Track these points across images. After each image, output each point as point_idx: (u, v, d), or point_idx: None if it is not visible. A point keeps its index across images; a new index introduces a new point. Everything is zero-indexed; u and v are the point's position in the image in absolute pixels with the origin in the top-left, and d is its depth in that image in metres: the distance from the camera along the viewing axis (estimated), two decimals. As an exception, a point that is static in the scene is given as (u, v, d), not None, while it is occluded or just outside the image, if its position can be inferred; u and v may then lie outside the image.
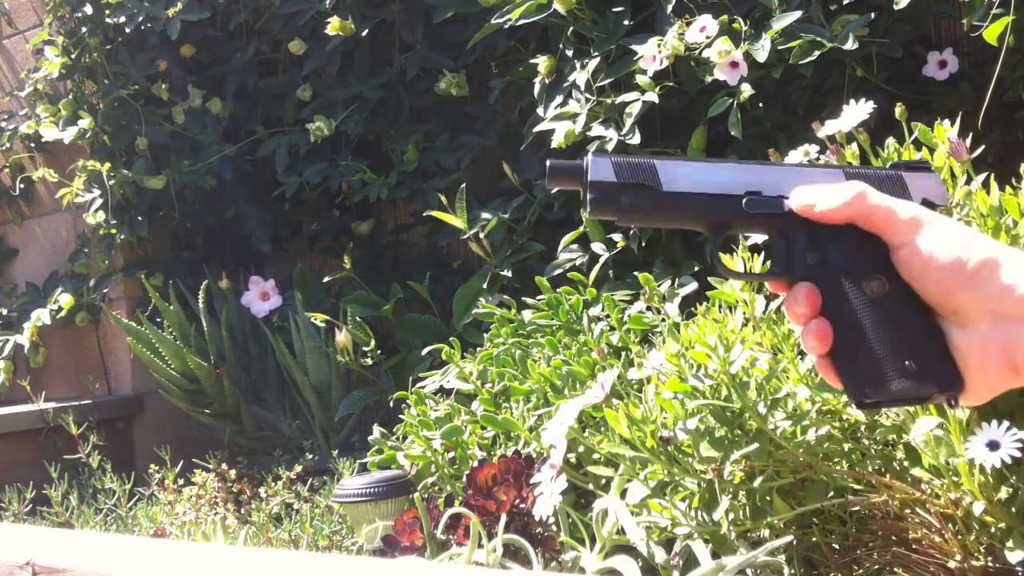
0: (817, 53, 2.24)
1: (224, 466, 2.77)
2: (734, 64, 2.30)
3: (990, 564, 1.45)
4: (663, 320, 2.03)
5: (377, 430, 2.33)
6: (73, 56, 3.69)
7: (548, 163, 0.86)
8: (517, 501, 1.86)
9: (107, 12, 3.58)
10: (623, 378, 1.82)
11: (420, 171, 3.20)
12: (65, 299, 3.76)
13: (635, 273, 2.31)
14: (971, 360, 0.75)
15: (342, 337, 3.02)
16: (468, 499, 1.89)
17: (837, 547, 1.66)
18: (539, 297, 2.29)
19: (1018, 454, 1.33)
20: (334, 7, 3.20)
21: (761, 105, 2.41)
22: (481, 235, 2.80)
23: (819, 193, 0.79)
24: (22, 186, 4.11)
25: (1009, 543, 1.40)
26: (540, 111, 2.65)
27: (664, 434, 1.56)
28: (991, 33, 2.00)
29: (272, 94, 3.49)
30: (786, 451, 1.53)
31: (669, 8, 2.46)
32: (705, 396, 1.57)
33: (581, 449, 1.86)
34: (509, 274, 2.78)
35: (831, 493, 1.57)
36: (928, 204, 0.82)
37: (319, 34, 3.23)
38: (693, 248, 2.49)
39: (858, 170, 0.84)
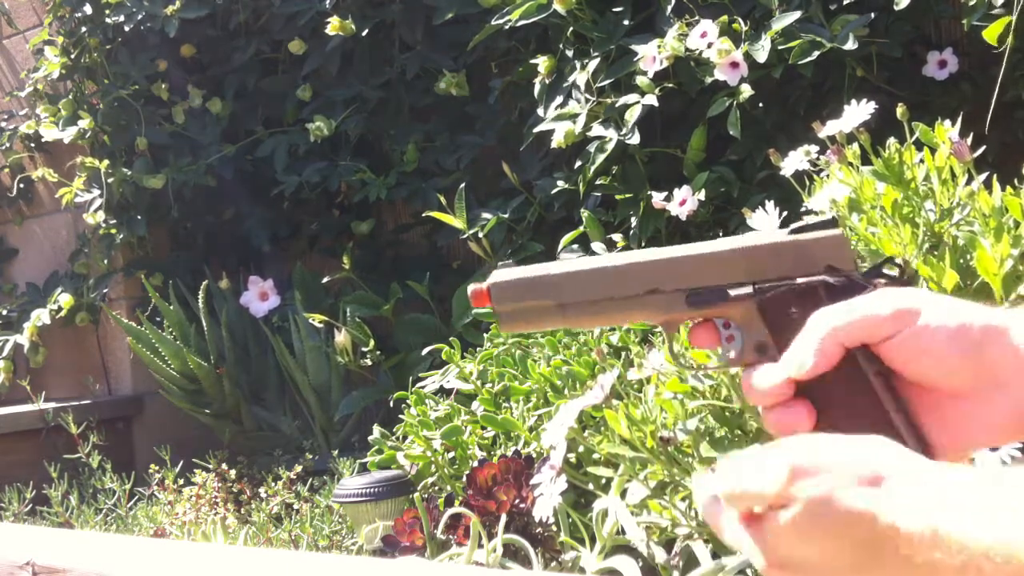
0: (817, 53, 2.25)
1: (224, 466, 2.76)
2: (734, 64, 2.30)
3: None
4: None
5: (377, 430, 2.33)
6: (73, 56, 3.69)
7: None
8: (517, 501, 1.86)
9: (107, 12, 3.58)
10: (623, 378, 1.82)
11: (420, 171, 3.20)
12: (65, 299, 3.75)
13: (635, 273, 2.31)
14: (966, 426, 0.73)
15: (341, 337, 3.02)
16: (468, 499, 1.89)
17: (837, 547, 1.66)
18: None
19: (1018, 454, 1.33)
20: (334, 7, 3.20)
21: (761, 105, 2.41)
22: (481, 235, 2.80)
23: (800, 353, 0.74)
24: (22, 186, 4.11)
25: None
26: (540, 111, 2.65)
27: (664, 434, 1.56)
28: (991, 33, 2.00)
29: (272, 94, 3.49)
30: (786, 451, 1.53)
31: (669, 8, 2.46)
32: (705, 396, 1.57)
33: (581, 449, 1.86)
34: (509, 274, 2.77)
35: (831, 493, 1.57)
36: (832, 270, 0.78)
37: (319, 34, 3.22)
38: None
39: (752, 245, 0.80)
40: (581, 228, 2.58)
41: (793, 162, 1.76)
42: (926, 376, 0.73)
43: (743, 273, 0.80)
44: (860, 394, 0.74)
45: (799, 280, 0.79)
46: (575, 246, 2.62)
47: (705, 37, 2.32)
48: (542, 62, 2.63)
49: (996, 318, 0.72)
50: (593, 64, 2.51)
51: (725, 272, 0.80)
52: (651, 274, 0.81)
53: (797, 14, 2.28)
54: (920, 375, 0.73)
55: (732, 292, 0.80)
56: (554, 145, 2.55)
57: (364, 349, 3.04)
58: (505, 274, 0.83)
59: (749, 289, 0.80)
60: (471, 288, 0.84)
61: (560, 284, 0.82)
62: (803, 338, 0.75)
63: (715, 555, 1.57)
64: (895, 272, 0.80)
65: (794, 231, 0.80)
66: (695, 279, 0.81)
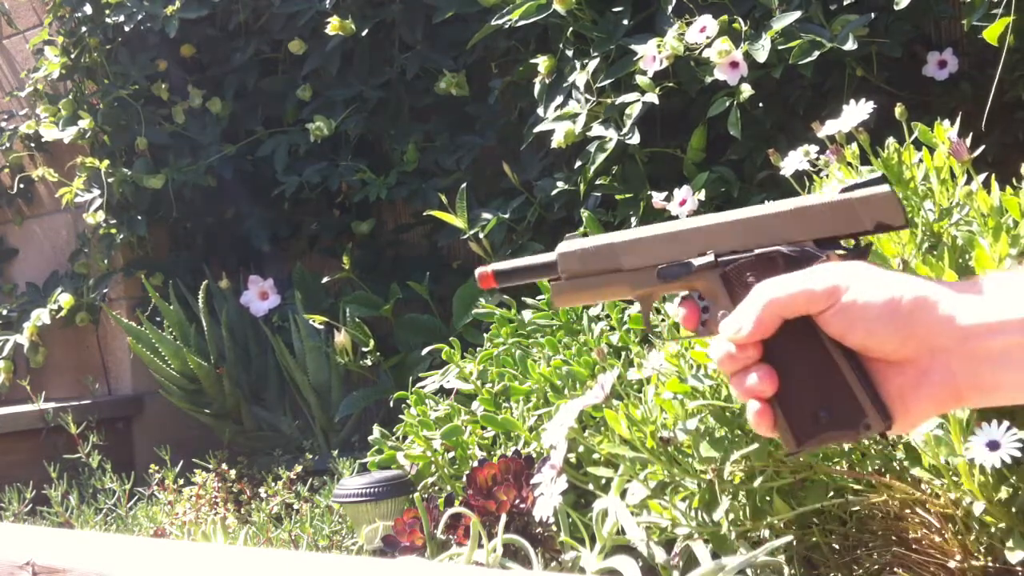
0: (817, 53, 2.25)
1: (224, 466, 2.76)
2: (734, 64, 2.30)
3: (990, 564, 1.45)
4: (663, 320, 2.03)
5: (377, 430, 2.33)
6: (73, 56, 3.69)
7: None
8: (517, 501, 1.86)
9: (107, 12, 3.58)
10: (623, 378, 1.82)
11: (420, 171, 3.20)
12: (65, 299, 3.76)
13: (635, 273, 2.30)
14: (909, 394, 0.77)
15: (341, 338, 3.02)
16: (468, 499, 1.89)
17: (837, 547, 1.66)
18: (539, 297, 2.29)
19: (1018, 454, 1.33)
20: (334, 7, 3.20)
21: (761, 105, 2.41)
22: (481, 235, 2.81)
23: (739, 319, 0.79)
24: (22, 186, 4.11)
25: (1009, 543, 1.40)
26: (540, 111, 2.65)
27: (664, 434, 1.56)
28: (991, 33, 2.00)
29: (272, 94, 3.49)
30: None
31: (669, 8, 2.46)
32: (705, 396, 1.57)
33: (581, 449, 1.86)
34: (509, 274, 2.77)
35: (831, 493, 1.57)
36: (883, 227, 0.83)
37: (319, 34, 3.23)
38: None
39: (806, 205, 0.84)
40: (581, 228, 2.58)
41: (793, 162, 1.76)
42: (863, 346, 0.78)
43: (707, 248, 0.86)
44: (819, 360, 0.79)
45: (757, 251, 0.84)
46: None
47: (704, 32, 2.32)
48: (542, 62, 2.63)
49: (927, 290, 0.76)
50: (593, 64, 2.51)
51: (692, 247, 0.87)
52: (625, 253, 0.89)
53: (797, 14, 2.28)
54: (858, 345, 0.78)
55: (696, 263, 0.86)
56: (554, 145, 2.55)
57: (364, 349, 3.04)
58: (505, 263, 0.95)
59: (711, 258, 0.85)
60: (478, 271, 0.95)
61: (552, 264, 0.93)
62: (744, 306, 0.80)
63: (715, 555, 1.57)
64: (850, 244, 0.84)
65: (846, 189, 0.84)
66: (664, 255, 0.88)
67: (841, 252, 0.83)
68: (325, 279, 3.35)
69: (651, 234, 0.88)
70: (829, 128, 1.67)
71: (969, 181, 1.53)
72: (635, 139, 2.43)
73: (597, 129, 2.48)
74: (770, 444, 1.54)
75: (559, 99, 2.61)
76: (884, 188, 0.83)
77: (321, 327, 3.15)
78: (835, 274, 0.78)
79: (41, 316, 3.76)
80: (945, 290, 0.76)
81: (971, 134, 1.61)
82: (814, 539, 1.63)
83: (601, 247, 0.91)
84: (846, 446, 1.56)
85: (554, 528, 1.84)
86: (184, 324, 3.39)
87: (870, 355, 0.77)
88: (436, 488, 2.16)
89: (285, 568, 1.54)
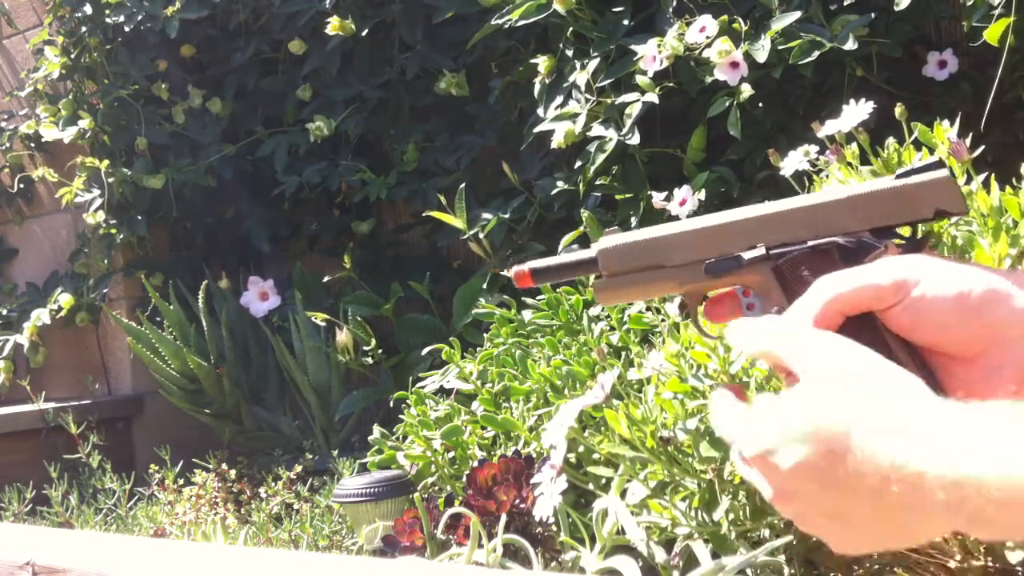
0: (817, 53, 2.25)
1: (224, 466, 2.76)
2: (734, 64, 2.30)
3: (990, 564, 1.45)
4: (663, 320, 2.03)
5: (377, 430, 2.33)
6: (73, 56, 3.70)
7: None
8: (517, 501, 1.86)
9: (107, 12, 3.59)
10: (623, 378, 1.82)
11: (420, 171, 3.20)
12: (65, 299, 3.76)
13: (635, 273, 2.30)
14: (975, 390, 0.73)
15: (343, 336, 3.02)
16: (468, 499, 1.89)
17: (837, 547, 1.66)
18: (539, 297, 2.29)
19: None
20: (334, 7, 3.20)
21: (761, 105, 2.41)
22: (481, 235, 2.80)
23: (802, 316, 0.75)
24: (22, 186, 4.11)
25: (1009, 543, 1.40)
26: (540, 111, 2.65)
27: (664, 434, 1.56)
28: (992, 34, 2.00)
29: (272, 94, 3.49)
30: (786, 451, 1.53)
31: (669, 8, 2.46)
32: (705, 396, 1.57)
33: (581, 449, 1.86)
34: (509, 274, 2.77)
35: (831, 493, 1.57)
36: (942, 213, 0.78)
37: (319, 34, 3.23)
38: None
39: (861, 193, 0.79)
40: (581, 228, 2.58)
41: (793, 162, 1.76)
42: (929, 341, 0.74)
43: (756, 240, 0.80)
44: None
45: (811, 243, 0.79)
46: (575, 246, 2.62)
47: (704, 32, 2.32)
48: (542, 62, 2.63)
49: (996, 282, 0.72)
50: (593, 64, 2.51)
51: (741, 240, 0.81)
52: (669, 247, 0.83)
53: (797, 14, 2.28)
54: (924, 341, 0.74)
55: (746, 256, 0.80)
56: (554, 145, 2.56)
57: (365, 348, 3.04)
58: (542, 261, 0.89)
59: (763, 251, 0.80)
60: (513, 270, 0.90)
61: (592, 261, 0.86)
62: (804, 301, 0.75)
63: (715, 555, 1.57)
64: (908, 233, 0.79)
65: (902, 175, 0.80)
66: (711, 249, 0.82)
67: (899, 242, 0.79)
68: (325, 279, 3.35)
69: (696, 227, 0.83)
70: (829, 128, 1.67)
71: (969, 181, 1.53)
72: (635, 139, 2.43)
73: (597, 129, 2.48)
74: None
75: (559, 99, 2.61)
76: (943, 172, 0.78)
77: (323, 323, 3.15)
78: (901, 268, 0.73)
79: (41, 316, 3.76)
80: (1010, 281, 0.72)
81: (971, 134, 1.61)
82: (814, 539, 1.63)
83: (643, 242, 0.84)
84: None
85: (554, 528, 1.84)
86: (184, 324, 3.39)
87: (935, 350, 0.74)
88: (436, 488, 2.16)
89: (285, 568, 1.54)
